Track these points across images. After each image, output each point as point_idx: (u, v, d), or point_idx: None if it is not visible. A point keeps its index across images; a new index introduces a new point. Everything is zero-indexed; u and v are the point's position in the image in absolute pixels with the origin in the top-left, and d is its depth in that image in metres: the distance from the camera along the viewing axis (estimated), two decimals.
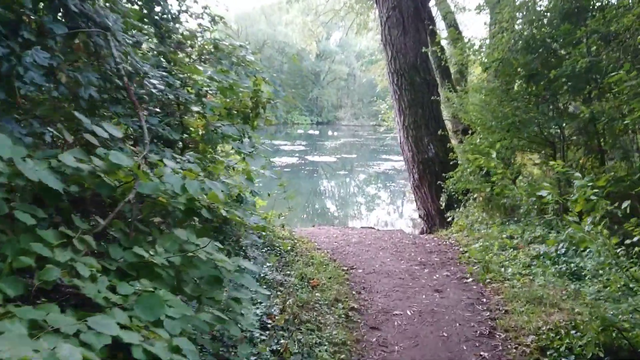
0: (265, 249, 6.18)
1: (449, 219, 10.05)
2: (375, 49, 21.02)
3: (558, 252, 5.48)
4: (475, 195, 8.94)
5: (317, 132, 55.83)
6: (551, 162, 5.61)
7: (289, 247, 6.56)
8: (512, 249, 6.49)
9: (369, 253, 6.88)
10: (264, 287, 4.47)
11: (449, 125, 12.85)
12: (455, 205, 9.56)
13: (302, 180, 23.55)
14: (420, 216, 11.97)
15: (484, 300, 5.00)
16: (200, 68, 4.61)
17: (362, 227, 9.41)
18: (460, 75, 14.05)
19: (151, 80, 3.76)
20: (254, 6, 67.19)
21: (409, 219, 16.04)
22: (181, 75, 4.44)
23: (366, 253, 6.88)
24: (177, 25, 4.93)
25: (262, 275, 4.88)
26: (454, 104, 12.41)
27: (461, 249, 7.09)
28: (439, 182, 10.82)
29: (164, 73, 3.97)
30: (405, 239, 8.11)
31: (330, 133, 54.73)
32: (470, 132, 9.28)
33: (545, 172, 8.52)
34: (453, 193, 9.39)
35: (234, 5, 67.65)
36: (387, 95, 14.40)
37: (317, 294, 4.82)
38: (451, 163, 9.52)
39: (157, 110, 4.09)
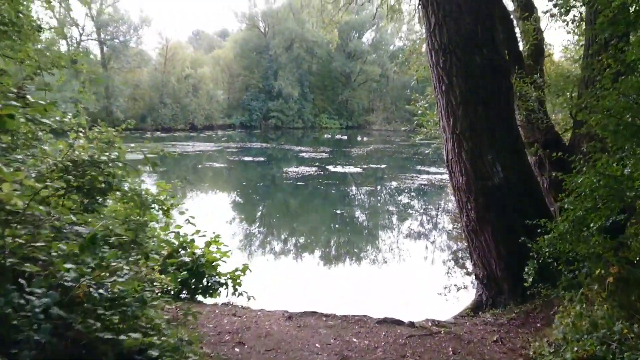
0: None
1: (528, 292, 5.80)
2: (413, 39, 16.85)
3: None
4: (597, 272, 4.59)
5: (345, 137, 51.70)
6: None
7: None
8: None
9: None
10: None
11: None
12: (563, 286, 5.21)
13: (312, 199, 19.39)
14: (477, 276, 7.67)
15: None
16: None
17: (379, 322, 5.18)
18: (534, 61, 9.61)
19: None
20: (281, 3, 63.51)
21: (453, 269, 11.69)
22: None
23: None
24: None
25: None
26: (531, 102, 8.16)
27: None
28: (511, 227, 6.62)
29: None
30: None
31: (359, 138, 50.43)
32: (590, 149, 4.92)
33: None
34: (549, 258, 5.07)
35: (261, 2, 64.37)
36: (427, 88, 10.08)
37: None
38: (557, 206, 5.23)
39: None
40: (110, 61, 51.57)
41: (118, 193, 5.21)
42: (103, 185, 4.96)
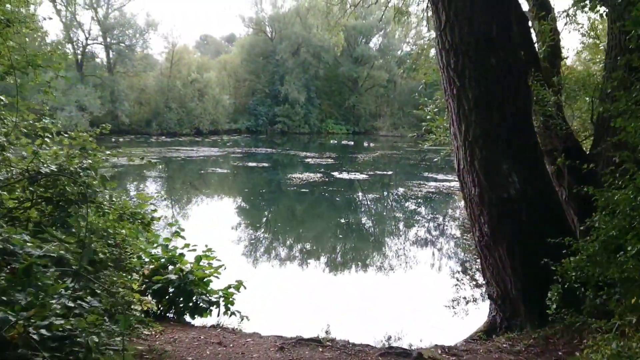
0: None
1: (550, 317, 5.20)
2: (421, 43, 16.40)
3: None
4: (632, 300, 4.01)
5: (351, 143, 51.17)
6: None
7: None
8: None
9: None
10: None
11: None
12: (587, 311, 4.60)
13: (316, 207, 18.83)
14: (490, 296, 7.08)
15: None
16: None
17: (382, 355, 4.59)
18: (550, 63, 9.01)
19: None
20: (288, 7, 63.23)
21: (462, 281, 11.09)
22: None
23: None
24: None
25: None
26: (549, 106, 7.57)
27: None
28: (529, 243, 6.05)
29: None
30: None
31: (366, 144, 49.85)
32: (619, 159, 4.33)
33: None
34: (575, 283, 4.49)
35: (268, 7, 64.07)
36: (434, 93, 9.47)
37: None
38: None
39: None
40: (116, 65, 51.40)
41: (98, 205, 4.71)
42: (74, 196, 4.45)
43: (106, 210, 4.62)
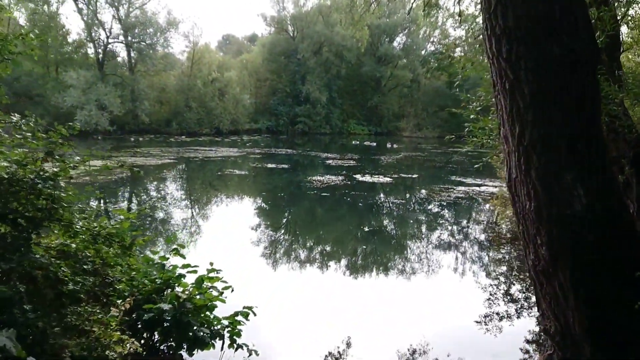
0: None
1: None
2: (447, 41, 15.30)
3: None
4: None
5: (374, 144, 49.99)
6: None
7: None
8: None
9: None
10: None
11: None
12: None
13: (337, 213, 17.78)
14: (545, 331, 5.94)
15: None
16: None
17: None
18: (609, 56, 7.83)
19: None
20: (310, 6, 62.36)
21: (495, 295, 9.93)
22: None
23: None
24: None
25: None
26: (614, 105, 6.44)
27: None
28: (597, 270, 4.97)
29: None
30: None
31: (389, 145, 48.59)
32: None
33: None
34: None
35: (290, 5, 63.33)
36: (481, 84, 8.33)
37: None
38: None
39: None
40: (137, 64, 51.18)
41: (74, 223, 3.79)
42: (39, 213, 3.52)
43: (77, 230, 3.69)
